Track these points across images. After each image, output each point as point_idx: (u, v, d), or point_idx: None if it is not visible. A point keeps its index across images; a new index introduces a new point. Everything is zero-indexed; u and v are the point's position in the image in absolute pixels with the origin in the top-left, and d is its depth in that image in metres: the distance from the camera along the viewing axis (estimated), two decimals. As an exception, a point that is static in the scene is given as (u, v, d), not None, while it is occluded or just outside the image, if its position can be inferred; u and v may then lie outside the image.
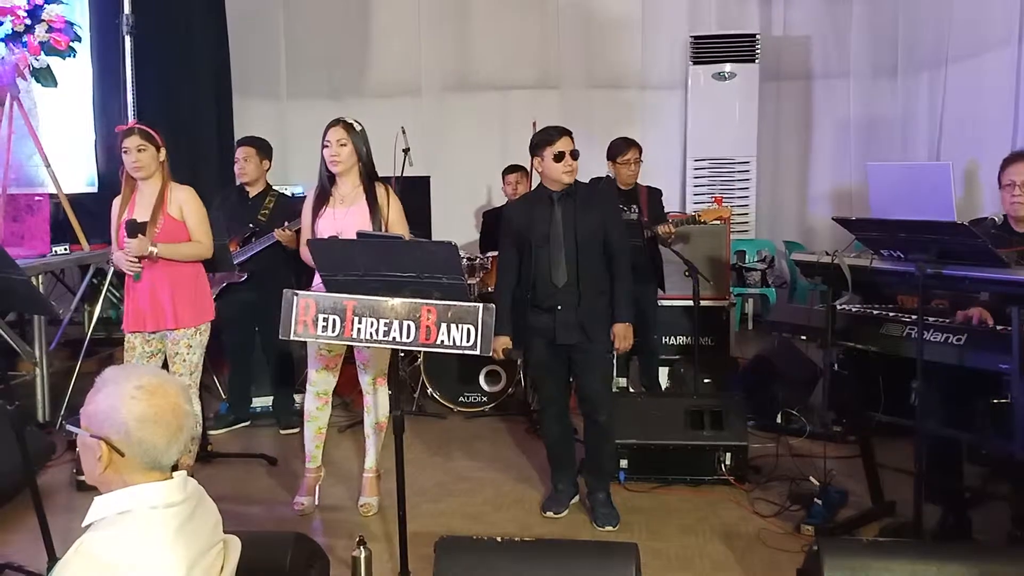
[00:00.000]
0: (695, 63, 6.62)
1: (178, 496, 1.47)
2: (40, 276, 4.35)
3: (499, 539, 2.30)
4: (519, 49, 6.99)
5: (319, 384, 3.42)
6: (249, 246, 4.36)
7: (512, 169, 5.34)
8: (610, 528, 3.22)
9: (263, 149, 4.44)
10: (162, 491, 1.44)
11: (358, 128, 3.30)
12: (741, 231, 6.60)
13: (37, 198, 4.55)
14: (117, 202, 3.47)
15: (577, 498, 3.47)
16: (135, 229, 3.29)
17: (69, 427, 1.53)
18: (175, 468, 1.51)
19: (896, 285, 3.13)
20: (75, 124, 5.19)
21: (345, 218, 3.25)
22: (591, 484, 3.37)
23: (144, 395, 1.43)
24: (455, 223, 6.61)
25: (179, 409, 1.46)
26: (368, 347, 3.27)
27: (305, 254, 3.39)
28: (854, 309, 3.17)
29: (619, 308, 3.26)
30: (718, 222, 4.77)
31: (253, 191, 4.44)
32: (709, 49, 6.58)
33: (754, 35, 6.56)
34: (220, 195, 4.56)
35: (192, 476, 3.88)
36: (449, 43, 7.06)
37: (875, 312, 3.09)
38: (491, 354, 3.23)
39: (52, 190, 4.61)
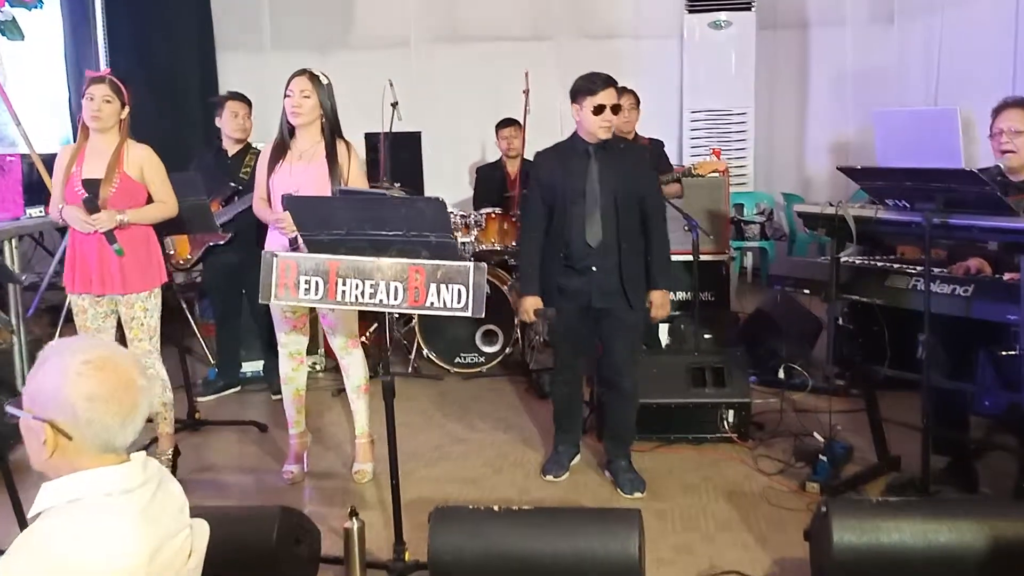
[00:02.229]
0: (690, 11, 6.40)
1: (136, 481, 1.33)
2: (14, 240, 4.18)
3: (496, 508, 2.21)
4: (510, -1, 6.73)
5: (290, 345, 3.30)
6: (232, 205, 4.18)
7: (506, 123, 5.17)
8: (638, 495, 3.08)
9: (250, 105, 4.26)
10: (117, 476, 1.30)
11: (324, 81, 3.14)
12: (739, 184, 6.46)
13: (9, 159, 4.35)
14: (65, 152, 3.23)
15: (578, 459, 3.40)
16: (95, 205, 3.08)
17: (10, 409, 1.34)
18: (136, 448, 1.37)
19: (900, 235, 3.03)
20: (47, 80, 4.98)
21: (303, 174, 3.10)
22: (612, 451, 3.25)
23: (92, 370, 1.27)
24: (448, 179, 6.44)
25: (132, 385, 1.31)
26: (333, 310, 3.14)
27: (259, 210, 3.25)
28: (857, 261, 3.07)
29: (657, 274, 3.08)
30: (716, 175, 4.62)
31: (233, 149, 4.27)
32: (704, -4, 6.36)
33: (749, -19, 6.34)
34: (196, 157, 4.37)
35: (175, 445, 3.70)
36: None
37: (880, 264, 2.99)
38: (523, 317, 3.12)
39: (24, 150, 4.43)
